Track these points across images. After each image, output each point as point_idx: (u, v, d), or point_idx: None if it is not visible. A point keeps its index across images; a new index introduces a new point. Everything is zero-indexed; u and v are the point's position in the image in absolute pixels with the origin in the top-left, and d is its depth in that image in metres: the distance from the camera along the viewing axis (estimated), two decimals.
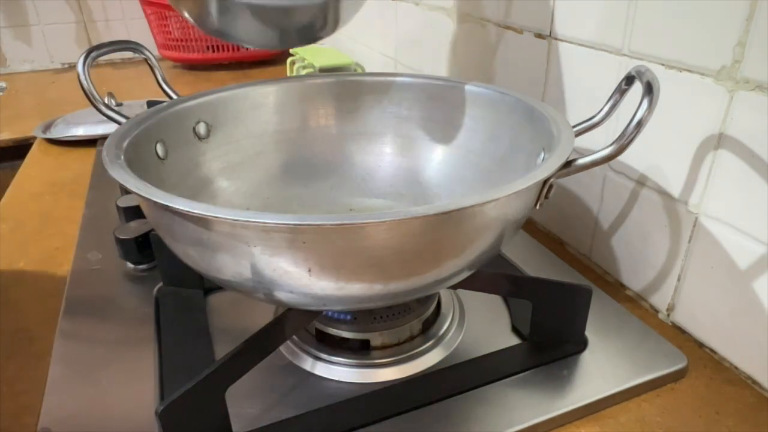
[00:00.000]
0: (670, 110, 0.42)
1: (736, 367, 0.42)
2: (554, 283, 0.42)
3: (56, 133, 0.90)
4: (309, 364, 0.41)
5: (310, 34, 0.44)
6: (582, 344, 0.42)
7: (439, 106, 0.52)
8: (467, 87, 0.50)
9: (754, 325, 0.39)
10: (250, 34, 0.43)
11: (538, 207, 0.35)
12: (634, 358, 0.41)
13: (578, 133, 0.39)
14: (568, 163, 0.33)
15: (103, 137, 0.87)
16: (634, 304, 0.49)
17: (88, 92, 0.43)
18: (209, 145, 0.48)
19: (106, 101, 0.43)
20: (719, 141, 0.39)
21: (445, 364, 0.41)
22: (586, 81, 0.51)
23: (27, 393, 0.40)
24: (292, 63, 1.06)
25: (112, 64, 1.42)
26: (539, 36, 0.56)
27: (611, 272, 0.53)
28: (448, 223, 0.29)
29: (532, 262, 0.53)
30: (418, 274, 0.31)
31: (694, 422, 0.38)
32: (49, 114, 1.00)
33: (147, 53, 0.50)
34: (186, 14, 0.42)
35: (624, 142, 0.32)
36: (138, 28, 1.41)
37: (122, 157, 0.35)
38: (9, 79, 1.31)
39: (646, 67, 0.35)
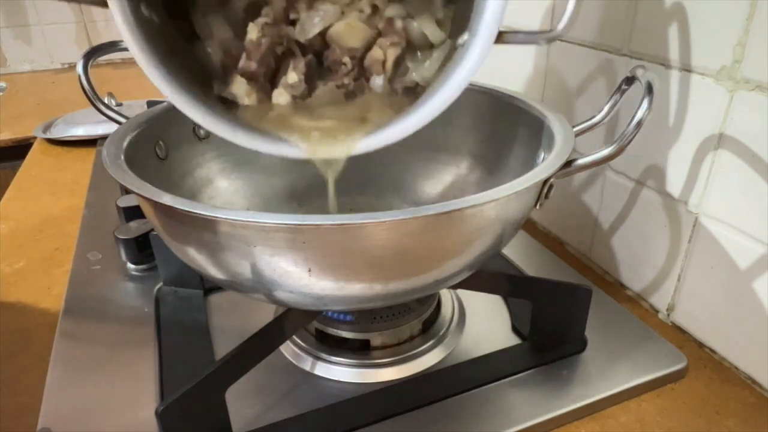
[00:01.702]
0: (670, 110, 0.42)
1: (736, 367, 0.42)
2: (554, 283, 0.42)
3: (56, 133, 0.90)
4: (309, 364, 0.41)
5: None
6: (582, 344, 0.42)
7: None
8: (467, 87, 0.50)
9: (754, 325, 0.39)
10: None
11: (538, 207, 0.35)
12: (634, 358, 0.41)
13: (578, 133, 0.39)
14: (568, 163, 0.33)
15: (103, 137, 0.87)
16: (634, 304, 0.49)
17: (88, 92, 0.43)
18: (209, 145, 0.48)
19: (106, 101, 0.43)
20: (719, 141, 0.39)
21: (445, 364, 0.41)
22: (586, 81, 0.51)
23: (27, 393, 0.40)
24: None
25: (112, 64, 1.42)
26: None
27: (611, 272, 0.53)
28: (448, 223, 0.29)
29: (532, 262, 0.53)
30: (418, 274, 0.31)
31: (694, 422, 0.38)
32: (49, 114, 1.00)
33: None
34: None
35: (624, 142, 0.33)
36: None
37: (122, 157, 0.35)
38: (9, 79, 1.31)
39: (646, 67, 0.35)
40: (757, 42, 0.35)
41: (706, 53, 0.39)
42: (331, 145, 0.37)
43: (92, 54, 0.44)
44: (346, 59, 0.38)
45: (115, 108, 0.43)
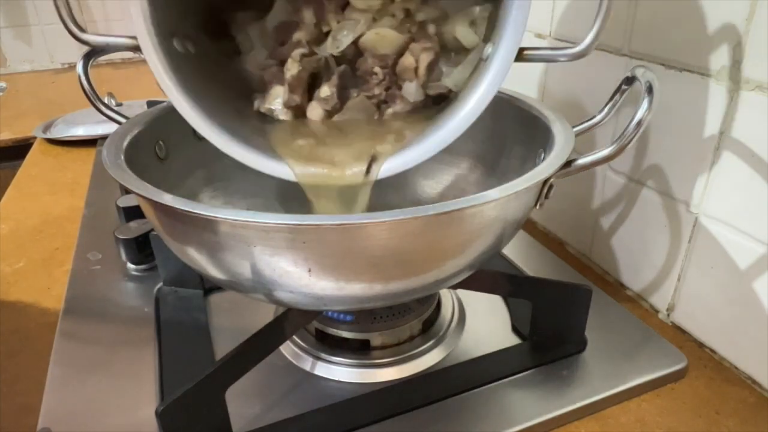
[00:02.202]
0: (670, 110, 0.42)
1: (736, 367, 0.42)
2: (554, 283, 0.42)
3: (56, 133, 0.90)
4: (309, 364, 0.41)
5: None
6: (582, 344, 0.42)
7: None
8: None
9: (754, 325, 0.39)
10: None
11: (538, 207, 0.35)
12: (634, 358, 0.41)
13: (578, 133, 0.39)
14: (568, 163, 0.33)
15: (103, 137, 0.87)
16: (634, 304, 0.49)
17: (88, 92, 0.43)
18: (209, 145, 0.48)
19: (106, 101, 0.43)
20: (719, 141, 0.39)
21: (445, 364, 0.41)
22: (586, 81, 0.51)
23: (27, 393, 0.40)
24: None
25: (112, 64, 1.42)
26: (539, 36, 0.56)
27: (611, 272, 0.53)
28: (448, 223, 0.29)
29: (532, 262, 0.53)
30: (418, 274, 0.31)
31: (694, 422, 0.38)
32: (49, 114, 1.00)
33: None
34: None
35: (624, 142, 0.32)
36: None
37: (122, 157, 0.35)
38: (9, 79, 1.31)
39: (646, 67, 0.35)
40: (757, 42, 0.35)
41: (706, 53, 0.39)
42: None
43: (92, 54, 0.44)
44: (377, 69, 0.38)
45: (115, 108, 0.43)
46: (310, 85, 0.40)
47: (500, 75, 0.34)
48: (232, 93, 0.41)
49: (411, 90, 0.38)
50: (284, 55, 0.40)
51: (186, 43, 0.38)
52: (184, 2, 0.38)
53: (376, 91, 0.39)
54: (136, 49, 0.35)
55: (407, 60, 0.38)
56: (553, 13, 0.53)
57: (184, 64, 0.37)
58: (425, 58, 0.37)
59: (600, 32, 0.31)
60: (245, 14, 0.41)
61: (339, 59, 0.40)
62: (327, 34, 0.40)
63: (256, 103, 0.41)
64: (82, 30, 0.36)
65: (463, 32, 0.37)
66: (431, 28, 0.38)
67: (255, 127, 0.40)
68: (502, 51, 0.34)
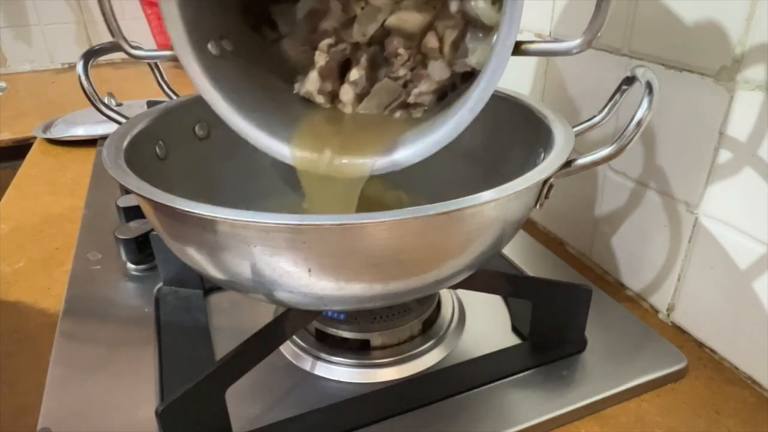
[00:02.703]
0: (670, 110, 0.42)
1: (736, 367, 0.42)
2: (554, 283, 0.42)
3: (56, 133, 0.90)
4: (309, 364, 0.41)
5: None
6: (582, 344, 0.42)
7: None
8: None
9: (754, 325, 0.39)
10: None
11: (538, 207, 0.35)
12: (634, 358, 0.41)
13: (578, 133, 0.39)
14: (567, 163, 0.33)
15: (103, 137, 0.87)
16: (634, 304, 0.49)
17: (88, 92, 0.43)
18: (209, 145, 0.48)
19: (106, 101, 0.43)
20: (719, 141, 0.39)
21: (445, 364, 0.41)
22: (586, 81, 0.51)
23: (27, 393, 0.40)
24: None
25: (112, 64, 1.42)
26: (539, 36, 0.56)
27: (611, 272, 0.53)
28: (448, 223, 0.29)
29: (532, 262, 0.53)
30: (418, 274, 0.31)
31: (694, 422, 0.38)
32: (49, 114, 1.00)
33: None
34: None
35: (624, 142, 0.32)
36: (138, 28, 1.40)
37: (122, 157, 0.35)
38: (9, 79, 1.31)
39: (646, 67, 0.35)
40: (757, 42, 0.35)
41: (706, 53, 0.39)
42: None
43: (92, 54, 0.44)
44: (402, 50, 0.38)
45: (115, 108, 0.43)
46: (345, 67, 0.41)
47: (496, 76, 0.34)
48: (272, 82, 0.42)
49: (436, 68, 0.38)
50: (316, 42, 0.41)
51: (223, 43, 0.40)
52: (217, 11, 0.39)
53: (401, 72, 0.39)
54: (175, 59, 0.38)
55: (431, 39, 0.38)
56: (553, 14, 0.53)
57: (220, 63, 0.38)
58: (449, 36, 0.37)
59: (601, 25, 0.30)
60: (279, 6, 0.42)
61: (369, 41, 0.40)
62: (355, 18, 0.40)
63: (296, 86, 0.42)
64: (133, 47, 0.40)
65: (483, 9, 0.37)
66: (454, 6, 0.37)
67: (293, 114, 0.41)
68: (497, 50, 0.33)
